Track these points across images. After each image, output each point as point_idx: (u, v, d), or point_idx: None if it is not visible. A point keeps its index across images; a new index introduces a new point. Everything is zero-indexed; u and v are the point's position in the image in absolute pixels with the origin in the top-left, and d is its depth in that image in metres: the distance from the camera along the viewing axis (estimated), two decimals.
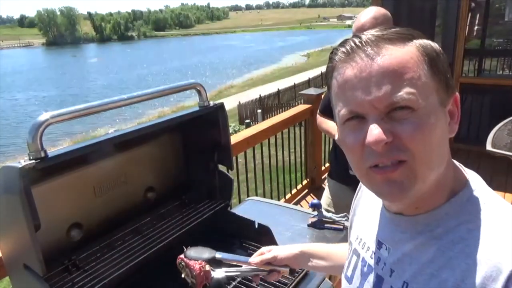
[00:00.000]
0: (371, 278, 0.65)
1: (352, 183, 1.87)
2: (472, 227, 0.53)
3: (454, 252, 0.53)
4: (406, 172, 0.53)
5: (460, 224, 0.54)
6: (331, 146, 3.89)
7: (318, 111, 2.12)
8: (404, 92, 0.50)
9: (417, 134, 0.51)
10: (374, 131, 0.51)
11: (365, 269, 0.68)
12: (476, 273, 0.49)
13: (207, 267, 0.94)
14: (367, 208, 0.74)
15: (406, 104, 0.51)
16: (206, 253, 0.98)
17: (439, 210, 0.56)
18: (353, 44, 0.54)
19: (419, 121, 0.51)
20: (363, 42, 0.53)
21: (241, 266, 0.97)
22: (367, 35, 0.54)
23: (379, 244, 0.65)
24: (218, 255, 0.98)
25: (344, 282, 0.74)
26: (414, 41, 0.54)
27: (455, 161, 0.61)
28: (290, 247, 0.95)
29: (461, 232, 0.53)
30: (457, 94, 0.55)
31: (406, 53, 0.52)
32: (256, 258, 0.94)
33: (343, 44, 0.56)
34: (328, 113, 2.00)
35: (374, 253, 0.65)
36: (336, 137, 1.80)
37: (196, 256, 0.97)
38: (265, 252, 0.95)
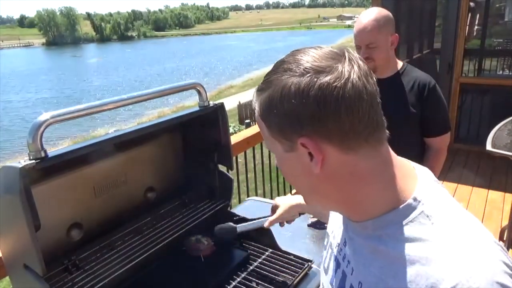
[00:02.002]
0: (339, 273, 0.70)
1: None
2: (416, 247, 0.54)
3: (397, 264, 0.55)
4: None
5: (406, 240, 0.56)
6: None
7: None
8: (265, 143, 0.64)
9: (280, 169, 0.64)
10: None
11: (335, 263, 0.72)
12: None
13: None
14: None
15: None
16: (230, 232, 1.35)
17: (383, 218, 0.58)
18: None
19: (276, 161, 0.64)
20: (253, 96, 0.63)
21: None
22: (258, 86, 0.62)
23: (345, 242, 0.69)
24: (239, 229, 1.34)
25: (322, 272, 0.80)
26: (259, 98, 0.59)
27: (400, 170, 0.61)
28: (291, 200, 1.22)
29: (408, 248, 0.55)
30: (306, 139, 0.55)
31: (256, 111, 0.61)
32: (267, 223, 1.25)
33: None
34: None
35: (341, 250, 0.70)
36: None
37: (223, 232, 1.36)
38: (276, 205, 1.25)
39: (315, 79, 0.53)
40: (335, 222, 0.77)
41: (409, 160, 0.65)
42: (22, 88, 36.10)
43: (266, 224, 1.24)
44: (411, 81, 1.78)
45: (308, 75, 0.53)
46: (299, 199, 1.19)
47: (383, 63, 1.75)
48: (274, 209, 1.25)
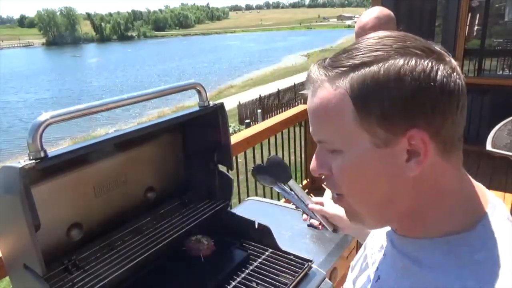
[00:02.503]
0: (364, 275, 0.66)
1: None
2: (462, 275, 0.47)
3: None
4: (345, 204, 0.57)
5: (448, 273, 0.48)
6: None
7: None
8: (324, 136, 0.52)
9: (343, 175, 0.53)
10: (312, 161, 0.57)
11: (364, 265, 0.68)
12: None
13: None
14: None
15: (329, 148, 0.53)
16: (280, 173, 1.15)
17: (427, 241, 0.52)
18: (308, 75, 0.55)
19: (344, 163, 0.52)
20: (312, 75, 0.53)
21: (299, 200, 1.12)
22: (320, 66, 0.53)
23: (381, 247, 0.64)
24: (290, 182, 1.13)
25: (350, 269, 0.76)
26: (350, 76, 0.48)
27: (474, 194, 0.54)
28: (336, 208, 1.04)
29: (449, 281, 0.48)
30: (418, 133, 0.46)
31: (330, 96, 0.50)
32: (316, 206, 1.05)
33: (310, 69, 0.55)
34: None
35: (374, 254, 0.66)
36: None
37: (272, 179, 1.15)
38: (325, 204, 1.05)
39: (439, 64, 0.46)
40: (376, 238, 0.70)
41: (484, 187, 0.57)
42: (21, 89, 35.97)
43: (310, 207, 1.07)
44: None
45: (432, 58, 0.46)
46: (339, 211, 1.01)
47: None
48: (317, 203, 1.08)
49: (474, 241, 0.49)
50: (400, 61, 0.46)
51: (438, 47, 0.49)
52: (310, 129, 0.55)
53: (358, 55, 0.49)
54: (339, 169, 0.53)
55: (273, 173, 1.16)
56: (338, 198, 0.57)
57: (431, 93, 0.45)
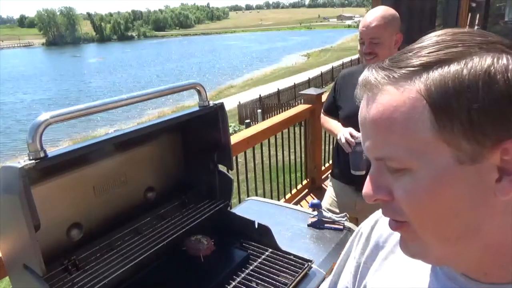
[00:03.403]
0: None
1: (354, 183, 1.89)
2: None
3: None
4: (408, 234, 0.46)
5: None
6: (331, 146, 3.90)
7: (322, 110, 2.13)
8: (388, 152, 0.43)
9: (412, 200, 0.42)
10: (365, 185, 0.47)
11: None
12: None
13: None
14: (403, 263, 0.57)
15: (393, 166, 0.43)
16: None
17: None
18: (361, 78, 0.46)
19: (415, 185, 0.42)
20: (368, 79, 0.45)
21: None
22: (378, 67, 0.44)
23: None
24: None
25: None
26: (424, 77, 0.40)
27: None
28: None
29: None
30: None
31: (399, 102, 0.41)
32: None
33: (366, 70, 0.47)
34: (332, 112, 2.00)
35: None
36: (338, 137, 1.80)
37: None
38: None
39: None
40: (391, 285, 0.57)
41: None
42: (20, 89, 35.81)
43: None
44: None
45: None
46: None
47: None
48: None
49: None
50: (488, 59, 0.39)
51: None
52: (366, 144, 0.45)
53: (432, 52, 0.41)
54: (406, 192, 0.42)
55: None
56: (398, 225, 0.46)
57: None
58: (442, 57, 0.40)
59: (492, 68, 0.38)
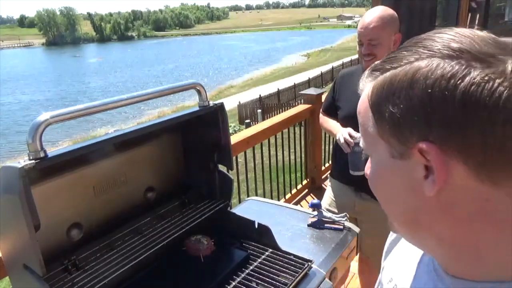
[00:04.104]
0: None
1: (353, 183, 1.89)
2: None
3: None
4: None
5: None
6: (331, 146, 3.90)
7: (321, 109, 2.12)
8: (360, 137, 0.50)
9: (370, 180, 0.51)
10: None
11: None
12: None
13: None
14: (406, 251, 0.61)
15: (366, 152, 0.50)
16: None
17: (501, 286, 0.43)
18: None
19: (371, 168, 0.50)
20: (363, 77, 0.50)
21: None
22: (370, 68, 0.49)
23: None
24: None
25: None
26: (376, 79, 0.45)
27: None
28: None
29: None
30: (430, 146, 0.40)
31: (363, 101, 0.48)
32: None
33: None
34: (331, 112, 2.00)
35: None
36: (337, 137, 1.79)
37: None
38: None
39: (468, 69, 0.37)
40: (396, 272, 0.59)
41: None
42: (18, 90, 35.61)
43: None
44: None
45: (459, 60, 0.38)
46: None
47: None
48: None
49: None
50: (417, 64, 0.41)
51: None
52: None
53: (393, 56, 0.44)
54: (369, 172, 0.51)
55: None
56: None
57: (448, 104, 0.38)
58: (390, 61, 0.44)
59: (417, 74, 0.40)
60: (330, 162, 3.97)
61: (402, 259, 0.60)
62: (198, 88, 1.36)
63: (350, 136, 1.71)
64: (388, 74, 0.43)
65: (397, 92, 0.41)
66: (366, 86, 0.46)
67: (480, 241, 0.43)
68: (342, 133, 1.75)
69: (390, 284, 0.60)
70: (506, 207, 0.40)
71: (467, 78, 0.37)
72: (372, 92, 0.45)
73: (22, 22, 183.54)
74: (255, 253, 1.37)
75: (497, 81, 0.36)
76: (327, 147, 4.03)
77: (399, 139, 0.42)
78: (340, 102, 1.95)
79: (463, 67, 0.38)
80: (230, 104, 16.19)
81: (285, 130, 3.43)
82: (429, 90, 0.39)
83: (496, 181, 0.39)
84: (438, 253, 0.49)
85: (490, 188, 0.39)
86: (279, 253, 1.36)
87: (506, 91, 0.36)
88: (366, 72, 0.48)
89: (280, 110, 13.73)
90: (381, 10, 1.72)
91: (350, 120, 1.75)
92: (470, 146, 0.38)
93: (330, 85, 2.88)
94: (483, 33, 0.41)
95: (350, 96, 1.80)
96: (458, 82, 0.37)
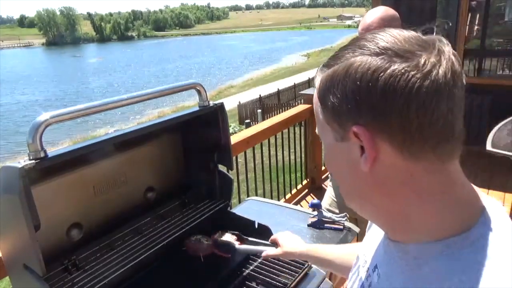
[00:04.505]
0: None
1: None
2: (465, 279, 0.45)
3: None
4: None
5: (452, 273, 0.46)
6: None
7: None
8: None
9: (326, 163, 0.59)
10: None
11: (360, 286, 0.66)
12: None
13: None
14: (375, 230, 0.69)
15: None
16: (228, 250, 1.33)
17: (431, 245, 0.49)
18: None
19: (325, 152, 0.58)
20: (317, 71, 0.57)
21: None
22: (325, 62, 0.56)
23: (375, 267, 0.61)
24: (238, 250, 1.31)
25: (347, 283, 0.74)
26: (326, 72, 0.52)
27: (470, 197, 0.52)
28: (298, 245, 1.11)
29: (451, 282, 0.46)
30: (361, 129, 0.47)
31: (315, 88, 0.54)
32: (269, 253, 1.15)
33: None
34: None
35: (369, 276, 0.63)
36: None
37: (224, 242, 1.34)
38: (278, 241, 1.15)
39: (389, 63, 0.45)
40: (369, 244, 0.68)
41: (481, 191, 0.55)
42: (17, 90, 35.47)
43: (263, 255, 1.19)
44: None
45: (382, 56, 0.45)
46: (300, 248, 1.10)
47: None
48: (273, 241, 1.20)
49: (466, 243, 0.47)
50: (351, 60, 0.48)
51: (433, 42, 0.47)
52: None
53: (336, 54, 0.52)
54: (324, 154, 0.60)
55: (223, 249, 1.35)
56: None
57: (372, 92, 0.45)
58: (333, 59, 0.51)
59: (350, 68, 0.47)
60: None
61: (372, 237, 0.68)
62: (198, 88, 1.36)
63: None
64: (331, 69, 0.50)
65: (336, 85, 0.49)
66: (317, 80, 0.54)
67: (408, 209, 0.50)
68: None
69: (362, 258, 0.68)
70: (426, 179, 0.48)
71: (388, 71, 0.44)
72: (319, 85, 0.52)
73: (22, 22, 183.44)
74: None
75: (412, 73, 0.44)
76: None
77: (339, 124, 0.50)
78: None
79: (385, 62, 0.45)
80: (230, 104, 16.18)
81: (285, 130, 3.43)
82: (358, 82, 0.46)
83: (416, 157, 0.47)
84: (380, 222, 0.56)
85: (412, 164, 0.47)
86: None
87: (418, 81, 0.43)
88: (319, 68, 0.55)
89: (280, 110, 13.72)
90: (382, 11, 1.70)
91: None
92: (391, 128, 0.46)
93: None
94: (409, 33, 0.48)
95: None
96: (381, 75, 0.44)
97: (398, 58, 0.45)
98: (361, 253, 0.70)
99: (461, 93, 0.46)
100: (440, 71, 0.44)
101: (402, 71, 0.44)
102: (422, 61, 0.44)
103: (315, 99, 0.54)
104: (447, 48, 0.46)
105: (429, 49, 0.45)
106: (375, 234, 0.66)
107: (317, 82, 0.53)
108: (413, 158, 0.47)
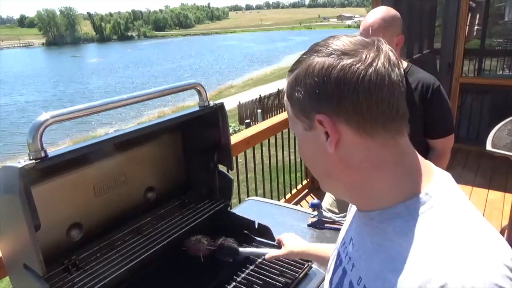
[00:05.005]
0: (340, 270, 0.70)
1: None
2: (419, 243, 0.53)
3: (397, 259, 0.54)
4: None
5: (409, 229, 0.55)
6: None
7: None
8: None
9: (300, 154, 0.66)
10: None
11: (338, 261, 0.73)
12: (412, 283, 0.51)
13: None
14: (352, 211, 0.77)
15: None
16: (231, 254, 1.35)
17: (390, 210, 0.58)
18: None
19: (298, 143, 0.66)
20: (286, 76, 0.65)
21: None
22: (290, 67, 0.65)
23: (350, 239, 0.69)
24: (242, 250, 1.34)
25: (326, 273, 0.80)
26: (291, 75, 0.61)
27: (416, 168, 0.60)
28: (301, 244, 1.20)
29: (410, 244, 0.54)
30: (323, 117, 0.56)
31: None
32: (272, 254, 1.24)
33: None
34: None
35: (346, 248, 0.70)
36: None
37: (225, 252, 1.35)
38: (282, 241, 1.24)
39: (339, 61, 0.55)
40: (346, 224, 0.76)
41: (430, 162, 0.64)
42: (17, 90, 35.32)
43: (267, 256, 1.25)
44: (415, 82, 1.76)
45: (333, 56, 0.55)
46: (302, 246, 1.19)
47: None
48: (278, 242, 1.27)
49: (418, 204, 0.56)
50: (309, 62, 0.57)
51: (375, 45, 0.56)
52: None
53: (301, 59, 0.60)
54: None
55: (226, 254, 1.36)
56: None
57: (327, 85, 0.55)
58: (296, 64, 0.60)
59: (309, 68, 0.57)
60: None
61: (349, 218, 0.77)
62: (198, 88, 1.36)
63: None
64: (294, 72, 0.60)
65: (299, 83, 0.58)
66: (285, 84, 0.63)
67: (370, 180, 0.59)
68: None
69: (340, 236, 0.77)
70: (382, 152, 0.57)
71: (338, 66, 0.54)
72: (287, 86, 0.62)
73: (22, 22, 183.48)
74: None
75: (357, 65, 0.54)
76: None
77: (305, 116, 0.59)
78: None
79: (336, 59, 0.55)
80: (230, 104, 16.18)
81: (285, 130, 3.42)
82: (316, 78, 0.56)
83: (370, 134, 0.56)
84: (348, 196, 0.65)
85: (369, 141, 0.56)
86: None
87: (362, 71, 0.54)
88: (287, 75, 0.64)
89: (280, 110, 13.72)
90: (384, 11, 1.68)
91: None
92: (347, 112, 0.55)
93: None
94: (355, 38, 0.58)
95: None
96: (333, 70, 0.54)
97: (346, 56, 0.55)
98: (341, 233, 0.78)
99: (399, 79, 0.56)
100: (379, 63, 0.54)
101: (350, 64, 0.54)
102: (364, 56, 0.54)
103: (285, 98, 0.63)
104: (384, 46, 0.57)
105: (369, 47, 0.56)
106: (351, 215, 0.75)
107: (285, 85, 0.62)
108: (368, 135, 0.56)
